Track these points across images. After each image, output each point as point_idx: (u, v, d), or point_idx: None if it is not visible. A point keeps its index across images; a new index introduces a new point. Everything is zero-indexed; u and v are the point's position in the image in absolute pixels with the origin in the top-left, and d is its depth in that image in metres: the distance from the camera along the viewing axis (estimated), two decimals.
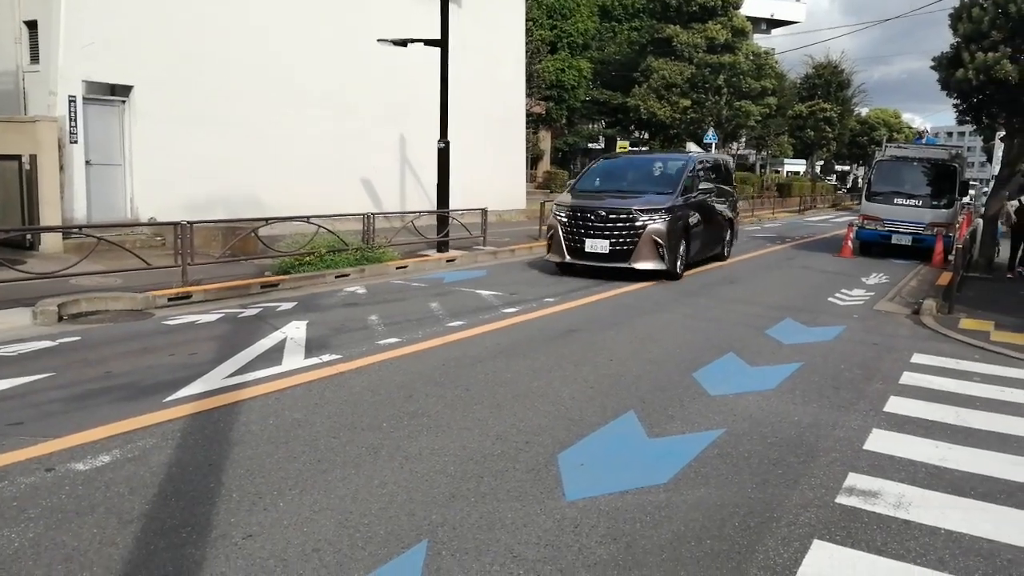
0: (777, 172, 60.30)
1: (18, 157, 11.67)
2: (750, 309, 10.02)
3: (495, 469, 4.40)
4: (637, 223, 11.59)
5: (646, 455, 4.74)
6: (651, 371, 6.70)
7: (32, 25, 13.37)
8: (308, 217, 11.95)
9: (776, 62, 41.32)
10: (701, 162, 14.06)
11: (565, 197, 13.09)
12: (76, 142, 12.73)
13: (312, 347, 7.09)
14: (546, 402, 5.67)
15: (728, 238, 15.40)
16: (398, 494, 4.03)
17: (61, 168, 12.37)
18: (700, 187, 13.01)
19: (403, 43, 14.71)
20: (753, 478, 4.42)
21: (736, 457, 4.73)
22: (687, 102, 34.85)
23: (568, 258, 12.04)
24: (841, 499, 4.18)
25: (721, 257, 15.03)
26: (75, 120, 12.69)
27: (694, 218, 12.76)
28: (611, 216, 11.72)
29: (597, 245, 11.76)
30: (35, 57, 13.40)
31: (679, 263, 12.13)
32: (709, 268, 14.20)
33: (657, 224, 11.59)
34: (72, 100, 12.62)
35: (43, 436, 4.67)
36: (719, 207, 14.55)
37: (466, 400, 5.67)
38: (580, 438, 4.93)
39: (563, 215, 12.18)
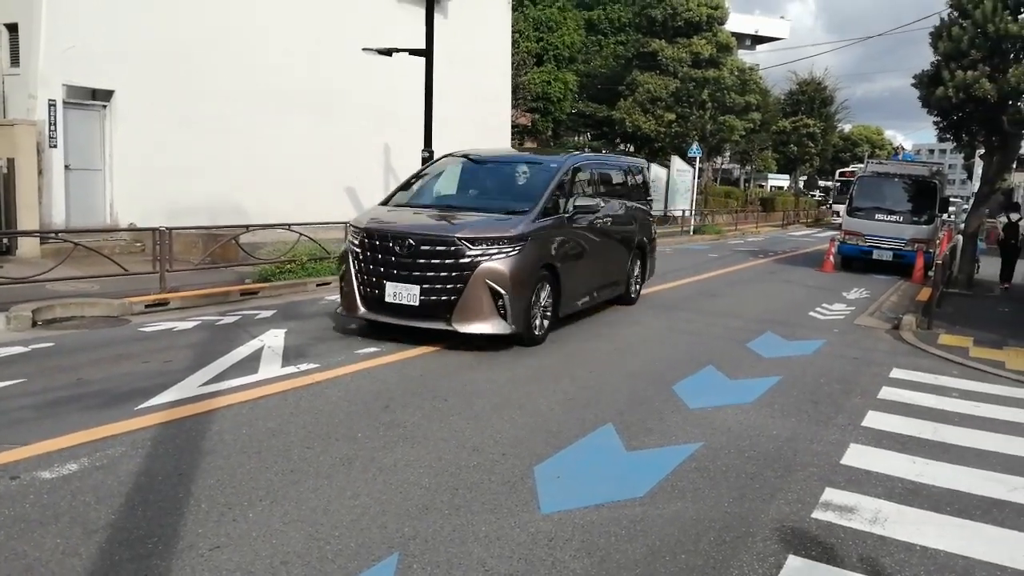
0: (761, 187, 60.68)
1: None
2: (731, 322, 10.04)
3: (470, 481, 4.35)
4: (463, 259, 7.44)
5: (623, 468, 4.70)
6: (630, 384, 6.67)
7: (12, 28, 13.24)
8: (289, 225, 11.86)
9: (760, 78, 41.64)
10: (588, 165, 9.78)
11: (371, 212, 8.98)
12: (56, 146, 12.59)
13: (289, 355, 7.01)
14: (524, 414, 5.63)
15: (636, 273, 10.94)
16: (371, 506, 3.97)
17: (40, 172, 12.23)
18: (581, 203, 8.72)
19: (388, 52, 14.70)
20: (730, 492, 4.40)
21: (713, 471, 4.71)
22: (672, 116, 35.04)
23: (362, 310, 7.86)
24: (817, 514, 4.17)
25: (625, 299, 10.66)
26: (55, 124, 12.56)
27: (568, 248, 8.53)
28: (423, 247, 7.51)
29: (402, 293, 7.55)
30: (15, 60, 13.26)
31: (537, 319, 7.95)
32: (687, 281, 14.23)
33: (495, 262, 7.44)
34: (52, 104, 12.49)
35: (10, 443, 4.57)
36: (620, 230, 10.23)
37: (443, 411, 5.62)
38: (557, 450, 4.90)
39: (356, 241, 8.03)
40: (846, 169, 32.70)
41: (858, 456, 5.12)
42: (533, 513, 3.98)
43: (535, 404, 5.88)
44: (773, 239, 29.06)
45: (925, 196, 17.53)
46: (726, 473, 4.69)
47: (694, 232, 27.49)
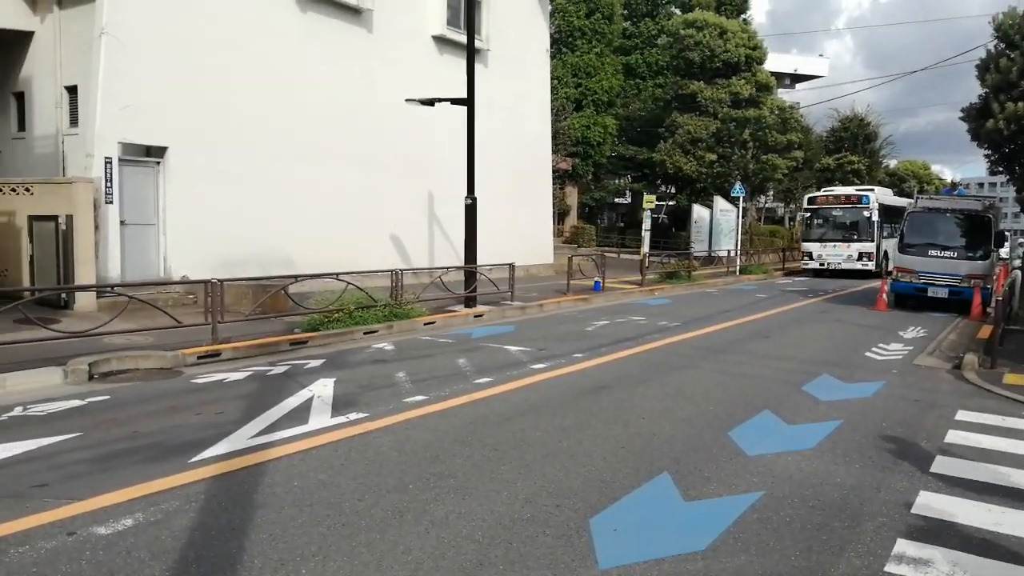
0: None
1: (55, 217, 11.92)
2: (784, 364, 9.79)
3: (524, 534, 4.24)
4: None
5: (682, 519, 4.55)
6: (684, 430, 6.51)
7: (72, 90, 13.82)
8: (337, 274, 12.00)
9: (801, 116, 41.46)
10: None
11: None
12: (111, 202, 12.98)
13: (339, 405, 7.01)
14: (576, 463, 5.51)
15: None
16: (424, 561, 3.89)
17: (96, 228, 12.60)
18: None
19: (431, 102, 14.95)
20: (796, 544, 4.21)
21: (777, 522, 4.53)
22: (713, 156, 34.97)
23: None
24: (891, 567, 3.96)
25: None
26: (111, 181, 12.97)
27: None
28: None
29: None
30: (74, 120, 13.82)
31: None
32: (736, 323, 13.99)
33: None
34: (108, 161, 12.92)
35: (67, 499, 4.61)
36: None
37: (494, 460, 5.53)
38: (613, 501, 4.76)
39: None
40: (817, 194, 29.11)
41: (929, 504, 4.88)
42: (592, 568, 3.85)
43: (587, 453, 5.76)
44: (822, 280, 28.52)
45: (979, 231, 17.06)
46: (790, 524, 4.50)
47: (740, 272, 27.15)
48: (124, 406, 6.97)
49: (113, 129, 13.06)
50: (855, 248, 26.77)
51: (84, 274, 12.05)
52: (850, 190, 28.98)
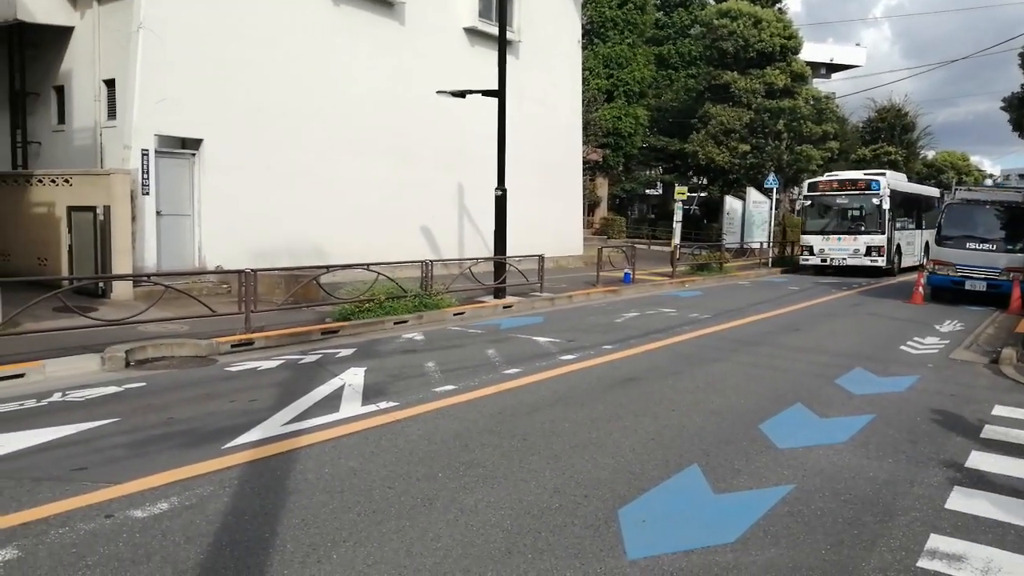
0: None
1: (93, 208, 12.16)
2: (816, 358, 9.68)
3: (553, 524, 4.25)
4: None
5: (712, 512, 4.53)
6: (714, 422, 6.47)
7: (110, 83, 14.06)
8: (368, 264, 12.09)
9: (837, 106, 40.77)
10: None
11: None
12: (148, 193, 13.20)
13: (369, 394, 7.07)
14: (605, 454, 5.51)
15: None
16: (453, 548, 3.92)
17: (133, 218, 12.82)
18: None
19: (462, 94, 14.96)
20: (827, 538, 4.17)
21: (808, 515, 4.49)
22: (746, 147, 34.56)
23: None
24: (923, 563, 3.91)
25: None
26: (147, 173, 13.18)
27: None
28: None
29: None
30: (112, 113, 14.05)
31: None
32: (768, 316, 13.85)
33: None
34: (145, 153, 13.13)
35: (105, 482, 4.72)
36: None
37: (522, 450, 5.55)
38: (641, 492, 4.75)
39: None
40: (819, 179, 25.48)
41: (964, 500, 4.80)
42: (620, 559, 3.86)
43: (616, 444, 5.75)
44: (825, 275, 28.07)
45: (1019, 223, 16.67)
46: (822, 518, 4.46)
47: (772, 264, 26.84)
48: (160, 393, 7.11)
49: (150, 122, 13.26)
50: (862, 241, 23.14)
51: (121, 264, 12.28)
52: (857, 174, 25.19)
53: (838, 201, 23.88)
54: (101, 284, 12.26)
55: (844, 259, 23.39)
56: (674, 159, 39.95)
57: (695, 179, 41.08)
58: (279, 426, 5.99)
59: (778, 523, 4.36)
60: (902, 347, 10.73)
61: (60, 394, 6.99)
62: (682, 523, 4.33)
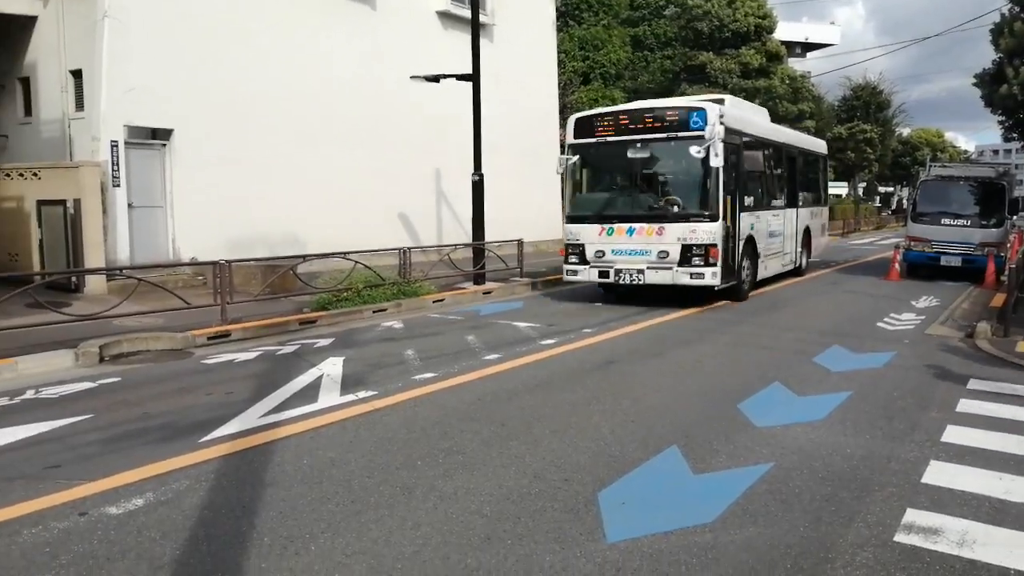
0: None
1: (63, 202, 11.95)
2: (795, 336, 9.74)
3: (533, 509, 4.25)
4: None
5: (691, 492, 4.54)
6: (694, 403, 6.49)
7: (77, 74, 13.78)
8: (345, 253, 12.00)
9: (813, 85, 40.94)
10: None
11: None
12: (119, 186, 13.00)
13: (348, 384, 7.03)
14: (585, 438, 5.51)
15: None
16: (432, 536, 3.90)
17: (104, 211, 12.62)
18: None
19: (435, 79, 14.85)
20: (805, 515, 4.20)
21: (786, 493, 4.51)
22: None
23: None
24: (900, 537, 3.94)
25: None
26: (117, 164, 12.97)
27: None
28: None
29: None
30: (80, 104, 13.79)
31: None
32: (751, 295, 13.92)
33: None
34: (114, 145, 12.91)
35: (79, 479, 4.65)
36: None
37: (502, 436, 5.53)
38: (621, 475, 4.76)
39: None
40: (592, 114, 13.15)
41: (939, 474, 4.85)
42: (599, 542, 3.86)
43: (596, 427, 5.75)
44: (834, 248, 28.29)
45: (993, 198, 16.85)
46: (800, 495, 4.48)
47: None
48: (135, 387, 7.02)
49: (119, 112, 13.04)
50: (673, 234, 11.72)
51: (93, 257, 12.09)
52: (664, 103, 13.28)
53: (629, 155, 12.11)
54: (73, 279, 12.07)
55: (639, 272, 11.87)
56: None
57: None
58: (256, 418, 5.94)
59: (757, 502, 4.38)
60: (879, 324, 10.82)
61: (33, 391, 6.88)
62: (661, 505, 4.34)
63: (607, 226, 12.08)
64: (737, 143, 12.37)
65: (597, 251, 12.19)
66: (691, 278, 11.47)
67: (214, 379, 7.34)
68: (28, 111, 15.17)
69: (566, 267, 12.61)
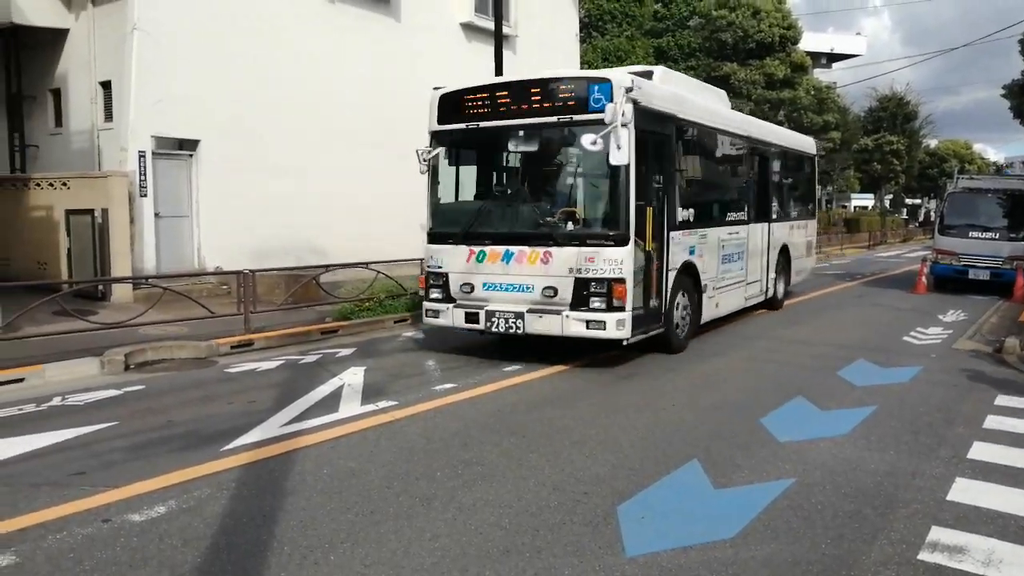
0: (844, 207, 58.93)
1: (91, 211, 12.13)
2: (819, 350, 9.64)
3: (551, 522, 4.23)
4: None
5: (711, 507, 4.50)
6: (714, 417, 6.44)
7: (106, 85, 14.03)
8: (367, 263, 12.07)
9: (838, 96, 40.64)
10: None
11: None
12: (146, 195, 13.18)
13: (369, 393, 7.06)
14: (605, 450, 5.48)
15: None
16: (451, 548, 3.90)
17: (132, 221, 12.80)
18: None
19: None
20: (827, 532, 4.15)
21: (808, 509, 4.46)
22: None
23: None
24: (924, 555, 3.88)
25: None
26: (145, 174, 13.16)
27: None
28: None
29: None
30: (109, 115, 14.02)
31: None
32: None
33: None
34: (142, 155, 13.10)
35: (103, 486, 4.71)
36: None
37: (522, 448, 5.52)
38: (641, 489, 4.73)
39: None
40: (458, 90, 9.04)
41: (965, 491, 4.77)
42: (618, 556, 3.84)
43: (616, 440, 5.73)
44: (860, 261, 28.05)
45: (1022, 211, 16.61)
46: (822, 511, 4.43)
47: None
48: (159, 395, 7.10)
49: (146, 123, 13.24)
50: (563, 262, 8.09)
51: (120, 266, 12.26)
52: (563, 72, 10.04)
53: (511, 147, 9.17)
54: (100, 287, 12.24)
55: (517, 318, 8.23)
56: None
57: None
58: (278, 427, 5.98)
59: (778, 517, 4.33)
60: (905, 337, 10.68)
61: (59, 398, 6.98)
62: (681, 519, 4.31)
63: (478, 248, 8.51)
64: (666, 133, 8.91)
65: (464, 284, 8.60)
66: (587, 327, 7.83)
67: (237, 388, 7.40)
68: (59, 122, 15.44)
69: (425, 305, 8.93)
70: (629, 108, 7.64)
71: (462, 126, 8.90)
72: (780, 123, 34.48)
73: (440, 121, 9.13)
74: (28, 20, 14.27)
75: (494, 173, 9.91)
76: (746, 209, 11.58)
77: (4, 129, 16.12)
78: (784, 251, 13.49)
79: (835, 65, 64.63)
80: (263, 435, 5.77)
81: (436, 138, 9.20)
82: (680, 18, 42.18)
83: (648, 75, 9.65)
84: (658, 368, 8.38)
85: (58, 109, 15.44)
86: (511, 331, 8.20)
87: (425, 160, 9.26)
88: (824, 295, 16.09)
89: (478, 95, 8.82)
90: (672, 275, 8.90)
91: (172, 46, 13.43)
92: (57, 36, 14.83)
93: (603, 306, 7.82)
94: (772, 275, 12.82)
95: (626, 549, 3.90)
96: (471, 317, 8.50)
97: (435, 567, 3.69)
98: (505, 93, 8.61)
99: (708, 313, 10.17)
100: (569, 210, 8.33)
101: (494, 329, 8.33)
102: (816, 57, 53.31)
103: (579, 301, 7.94)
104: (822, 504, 4.54)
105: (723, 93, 13.04)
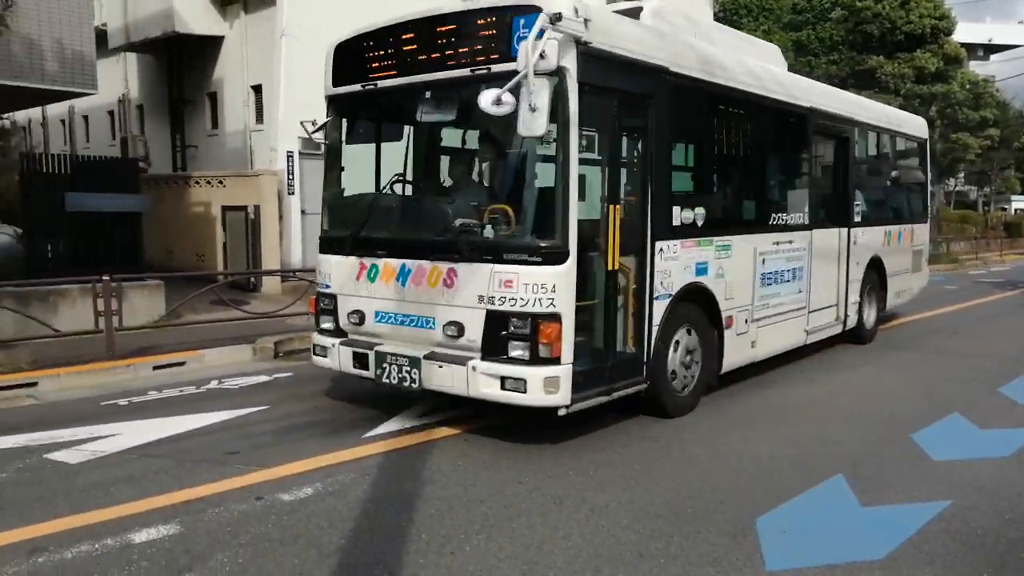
0: (1003, 210, 54.60)
1: (245, 207, 12.95)
2: (977, 363, 8.97)
3: (686, 529, 4.15)
4: None
5: (858, 525, 4.28)
6: (862, 431, 6.12)
7: (257, 89, 14.93)
8: None
9: (997, 90, 37.68)
10: None
11: None
12: (293, 193, 13.92)
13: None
14: (743, 460, 5.32)
15: None
16: (583, 548, 3.90)
17: (280, 217, 13.56)
18: None
19: None
20: (988, 560, 3.86)
21: (966, 534, 4.16)
22: None
23: None
24: None
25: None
26: (292, 173, 13.89)
27: None
28: None
29: None
30: (260, 117, 14.92)
31: None
32: (922, 316, 12.96)
33: None
34: (290, 155, 13.84)
35: (256, 465, 5.01)
36: None
37: (655, 451, 5.45)
38: (781, 502, 4.55)
39: None
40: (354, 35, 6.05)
41: None
42: (758, 569, 3.71)
43: (754, 450, 5.55)
44: (1022, 268, 25.90)
45: None
46: (982, 538, 4.12)
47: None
48: (305, 383, 7.47)
49: (294, 125, 13.95)
50: (468, 287, 5.34)
51: (270, 259, 13.02)
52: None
53: (419, 115, 6.03)
54: (252, 279, 13.04)
55: (412, 365, 5.56)
56: None
57: None
58: (415, 417, 6.17)
59: (932, 541, 4.06)
60: None
61: (216, 381, 7.50)
62: (826, 536, 4.12)
63: (369, 262, 6.01)
64: (648, 94, 5.99)
65: (352, 312, 6.13)
66: (503, 387, 5.14)
67: None
68: (215, 124, 16.57)
69: (314, 338, 6.54)
70: (563, 50, 4.99)
71: (358, 87, 6.37)
72: (932, 119, 32.37)
73: (336, 82, 6.72)
74: (189, 29, 15.38)
75: (397, 154, 6.74)
76: (807, 209, 8.40)
77: (168, 131, 17.46)
78: (876, 265, 10.18)
79: (993, 57, 59.97)
80: (401, 424, 5.96)
81: (332, 105, 6.80)
82: (821, 10, 40.33)
83: (636, 12, 6.79)
84: (797, 379, 8.03)
85: (214, 112, 16.57)
86: (404, 385, 5.61)
87: (312, 136, 7.04)
88: (982, 304, 14.91)
89: (376, 41, 6.31)
90: (664, 305, 6.04)
91: (318, 51, 14.08)
92: (213, 43, 15.92)
93: (525, 355, 5.08)
94: (855, 298, 9.54)
95: (766, 563, 3.77)
96: (360, 360, 5.96)
97: (568, 566, 3.70)
98: (411, 36, 5.91)
99: (737, 356, 7.14)
100: (488, 208, 5.46)
101: (385, 379, 5.74)
102: (972, 49, 49.68)
103: (492, 346, 5.21)
104: (982, 529, 4.22)
105: (776, 49, 9.63)
